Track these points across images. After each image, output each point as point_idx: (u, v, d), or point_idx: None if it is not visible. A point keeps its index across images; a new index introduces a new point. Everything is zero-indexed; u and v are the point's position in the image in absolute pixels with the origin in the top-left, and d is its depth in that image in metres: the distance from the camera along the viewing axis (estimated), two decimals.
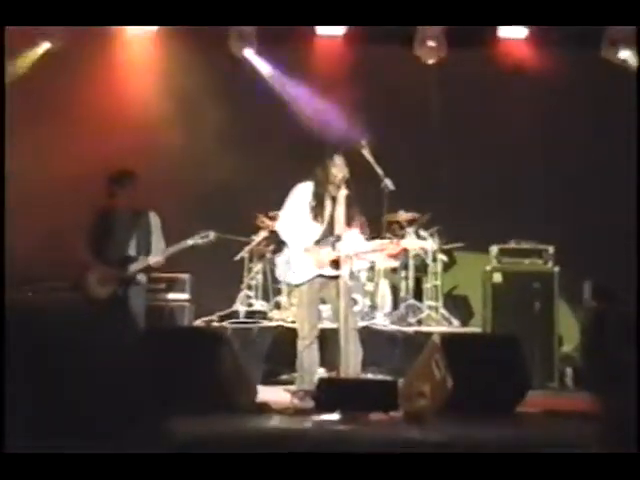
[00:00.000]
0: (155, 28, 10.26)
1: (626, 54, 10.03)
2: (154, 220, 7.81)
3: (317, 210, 7.17)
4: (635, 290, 8.40)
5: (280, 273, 7.50)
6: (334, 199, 7.15)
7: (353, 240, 7.15)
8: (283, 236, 7.32)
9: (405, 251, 9.47)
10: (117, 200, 7.72)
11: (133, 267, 7.59)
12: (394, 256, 9.37)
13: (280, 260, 7.39)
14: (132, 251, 7.67)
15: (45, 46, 10.35)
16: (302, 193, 7.22)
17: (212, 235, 7.63)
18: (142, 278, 7.75)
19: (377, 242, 7.71)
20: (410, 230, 9.27)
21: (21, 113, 9.39)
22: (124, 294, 7.61)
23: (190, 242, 7.60)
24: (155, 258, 7.61)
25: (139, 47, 10.35)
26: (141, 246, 7.69)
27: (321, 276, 7.10)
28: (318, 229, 7.15)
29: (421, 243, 8.71)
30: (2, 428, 3.87)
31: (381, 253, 8.31)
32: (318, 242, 7.12)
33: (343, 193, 7.10)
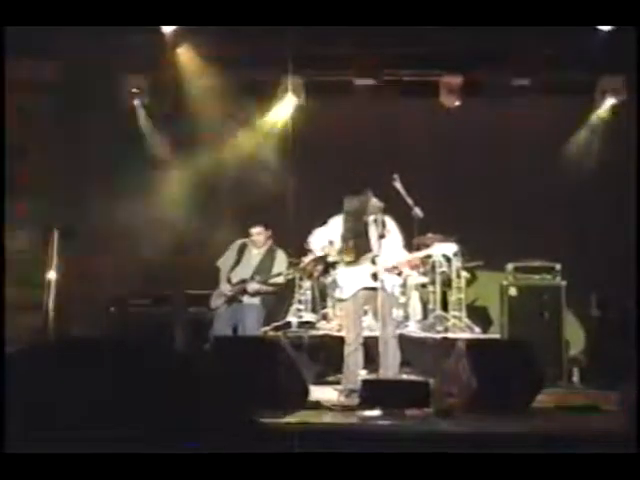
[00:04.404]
0: None
1: (612, 101, 10.15)
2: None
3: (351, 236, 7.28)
4: (634, 299, 8.45)
5: (331, 291, 7.64)
6: (366, 224, 7.24)
7: (388, 255, 7.23)
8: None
9: (432, 268, 9.54)
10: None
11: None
12: (423, 273, 9.45)
13: (328, 281, 7.52)
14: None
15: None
16: (336, 224, 7.34)
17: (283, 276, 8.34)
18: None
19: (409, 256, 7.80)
20: None
21: None
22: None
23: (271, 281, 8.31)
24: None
25: None
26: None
27: (364, 289, 7.19)
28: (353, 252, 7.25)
29: (446, 247, 8.40)
30: (2, 428, 3.80)
31: (412, 262, 8.33)
32: (357, 260, 7.21)
33: (375, 218, 7.18)
